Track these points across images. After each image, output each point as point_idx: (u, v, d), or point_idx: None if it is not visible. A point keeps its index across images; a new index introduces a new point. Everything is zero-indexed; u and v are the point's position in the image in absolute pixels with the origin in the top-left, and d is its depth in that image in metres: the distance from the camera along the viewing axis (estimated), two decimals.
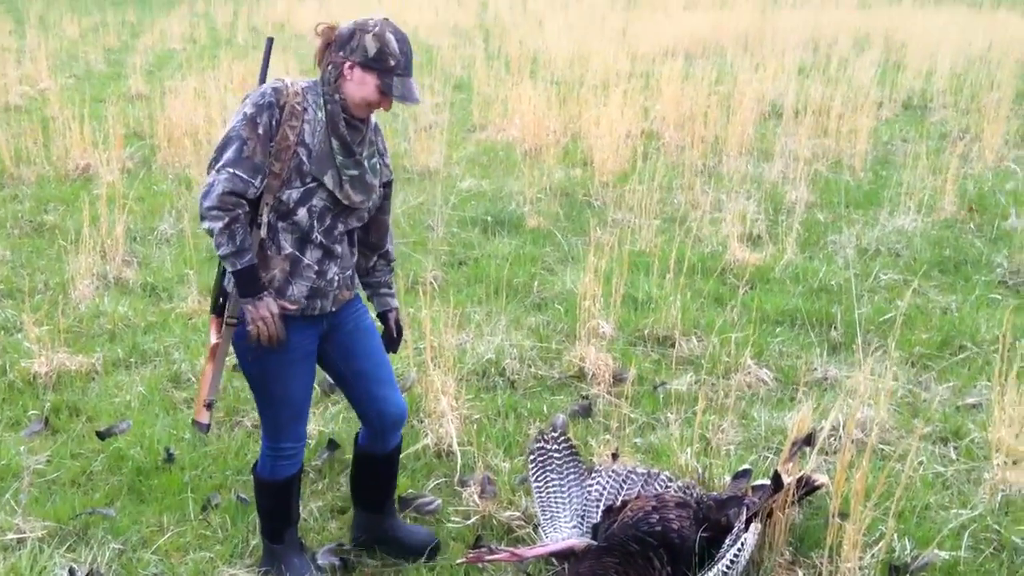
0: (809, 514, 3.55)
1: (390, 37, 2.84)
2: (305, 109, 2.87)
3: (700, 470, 3.87)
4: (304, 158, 2.85)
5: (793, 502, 3.31)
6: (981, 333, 5.14)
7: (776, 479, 3.34)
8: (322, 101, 2.89)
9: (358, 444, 3.37)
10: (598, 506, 3.48)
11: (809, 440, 3.65)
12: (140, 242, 6.67)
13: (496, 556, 3.11)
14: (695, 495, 3.46)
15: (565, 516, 3.41)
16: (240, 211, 2.80)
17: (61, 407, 4.37)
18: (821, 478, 3.49)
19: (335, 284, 3.00)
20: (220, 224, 2.80)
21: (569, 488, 3.54)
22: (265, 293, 2.87)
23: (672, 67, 10.22)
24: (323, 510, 3.66)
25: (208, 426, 3.09)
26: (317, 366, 3.15)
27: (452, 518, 3.61)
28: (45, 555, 3.29)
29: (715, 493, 3.59)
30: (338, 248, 2.98)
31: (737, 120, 9.08)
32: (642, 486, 3.57)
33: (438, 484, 3.82)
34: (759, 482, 3.58)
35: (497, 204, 7.56)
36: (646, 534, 3.10)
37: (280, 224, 2.88)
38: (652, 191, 6.94)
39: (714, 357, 4.80)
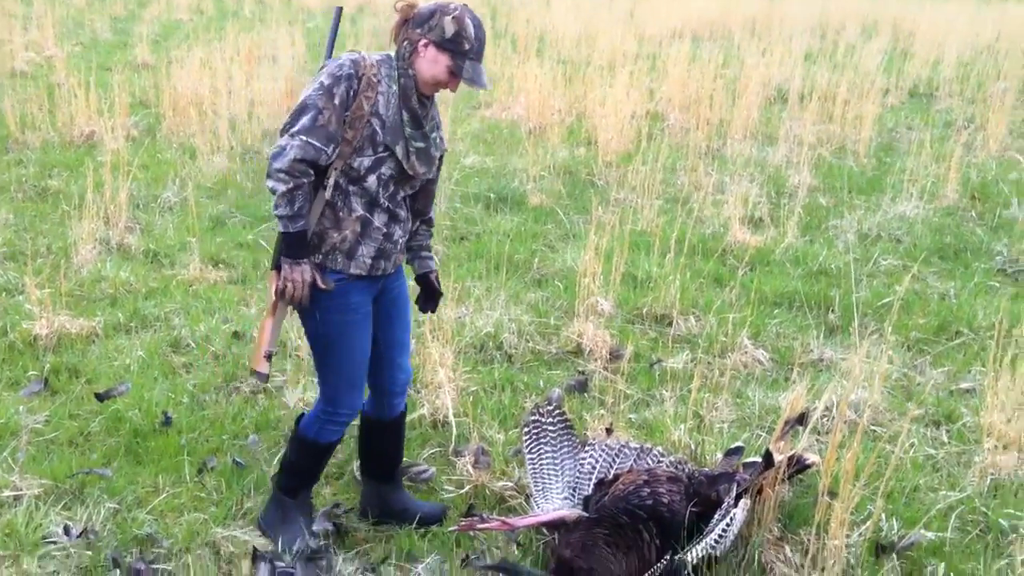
0: (799, 492, 3.58)
1: (468, 22, 2.92)
2: (379, 81, 2.95)
3: (693, 446, 3.90)
4: (377, 128, 2.93)
5: (783, 480, 3.34)
6: (978, 320, 5.16)
7: (767, 457, 3.37)
8: (396, 75, 2.98)
9: (364, 413, 3.40)
10: (590, 479, 3.51)
11: (802, 420, 3.68)
12: (143, 209, 6.69)
13: (488, 525, 3.14)
14: (687, 470, 3.49)
15: (557, 488, 3.44)
16: (306, 179, 2.89)
17: (61, 369, 4.40)
18: (812, 457, 3.51)
19: (398, 246, 3.11)
20: (284, 187, 2.88)
21: (562, 460, 3.57)
22: (305, 260, 2.96)
23: (679, 49, 10.22)
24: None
25: (267, 376, 3.18)
26: None
27: (446, 487, 3.64)
28: (41, 512, 3.33)
29: (707, 469, 3.62)
30: (401, 212, 3.08)
31: (742, 104, 9.09)
32: (635, 460, 3.60)
33: (433, 453, 3.85)
34: (750, 459, 3.61)
35: (500, 181, 7.57)
36: (636, 507, 3.13)
37: (351, 188, 2.97)
38: (655, 172, 6.96)
39: (711, 336, 4.82)
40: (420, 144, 3.01)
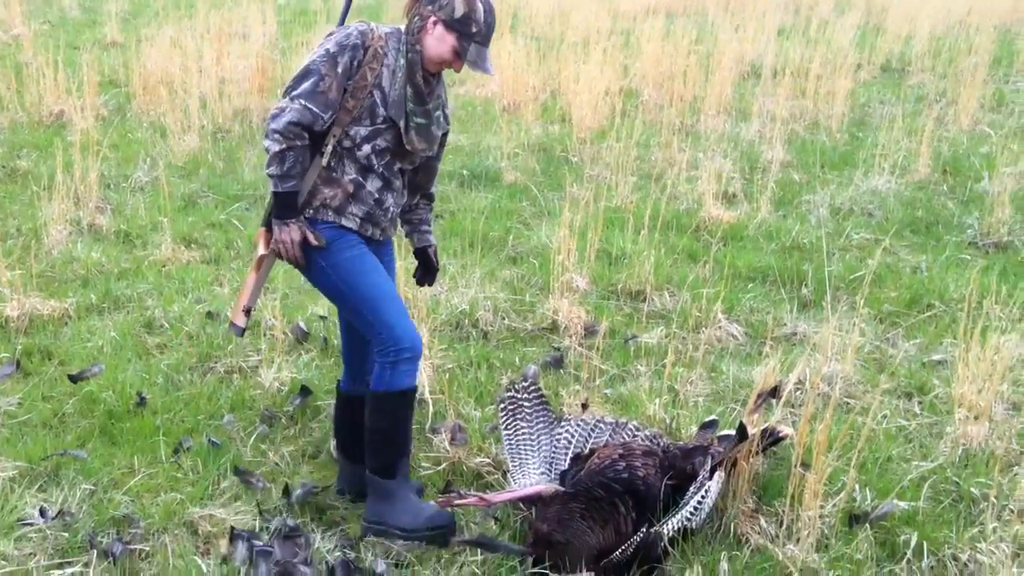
0: (773, 464, 3.61)
1: (479, 5, 2.97)
2: (386, 54, 3.00)
3: (668, 420, 3.93)
4: (377, 100, 2.99)
5: (757, 452, 3.37)
6: (949, 292, 5.21)
7: (741, 430, 3.40)
8: (404, 49, 3.02)
9: (340, 390, 3.41)
10: (566, 454, 3.53)
11: (775, 393, 3.71)
12: (114, 189, 6.63)
13: (465, 500, 3.15)
14: (662, 444, 3.51)
15: (534, 463, 3.46)
16: (299, 142, 2.95)
17: (33, 350, 4.37)
18: (785, 429, 3.54)
19: (389, 214, 3.15)
20: (277, 148, 2.94)
21: (538, 436, 3.58)
22: (293, 219, 3.00)
23: (653, 25, 10.21)
24: (295, 455, 3.69)
25: (244, 330, 3.22)
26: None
27: (423, 464, 3.65)
28: (16, 494, 3.31)
29: (681, 442, 3.64)
30: (396, 182, 3.13)
31: (716, 80, 9.09)
32: (610, 435, 3.62)
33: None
34: (725, 432, 3.64)
35: (474, 159, 7.55)
36: (612, 480, 3.15)
37: (345, 154, 3.02)
38: (629, 148, 6.96)
39: (685, 312, 4.84)
40: (421, 120, 3.06)
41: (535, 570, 2.99)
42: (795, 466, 3.25)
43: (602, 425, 3.68)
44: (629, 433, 3.62)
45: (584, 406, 3.89)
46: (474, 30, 2.97)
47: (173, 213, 6.02)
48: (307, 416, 3.95)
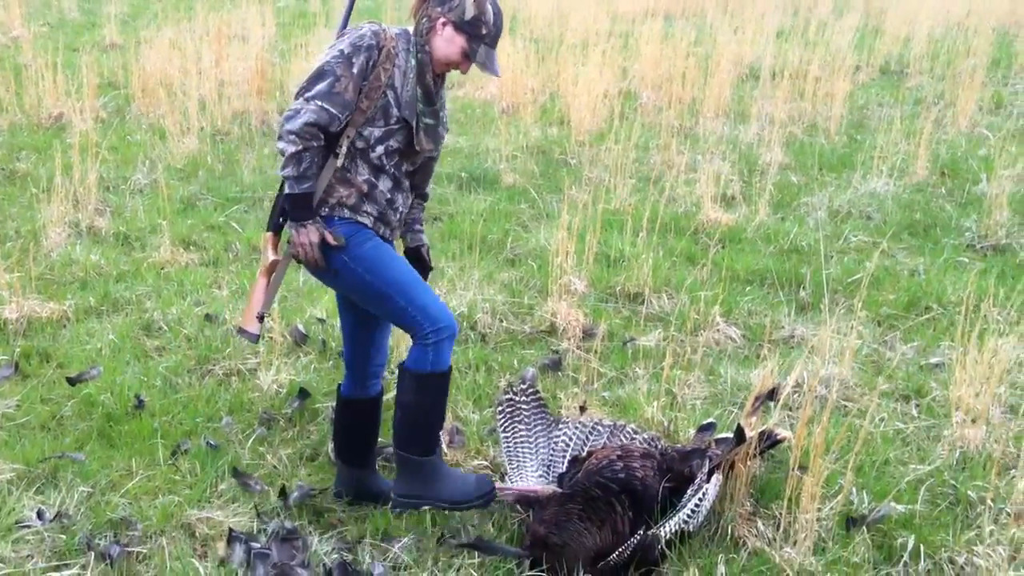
0: (770, 467, 3.61)
1: (489, 7, 2.99)
2: (397, 54, 3.00)
3: (666, 423, 3.93)
4: (391, 100, 2.99)
5: (755, 455, 3.37)
6: (947, 295, 5.21)
7: (739, 433, 3.40)
8: (413, 50, 3.02)
9: (341, 394, 3.40)
10: (564, 456, 3.54)
11: (772, 395, 3.71)
12: (113, 191, 6.63)
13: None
14: (660, 447, 3.52)
15: (532, 465, 3.47)
16: (316, 143, 2.94)
17: (31, 353, 4.37)
18: (783, 432, 3.55)
19: (398, 214, 3.16)
20: (293, 149, 2.92)
21: (536, 439, 3.59)
22: (310, 221, 2.99)
23: (652, 28, 10.21)
24: (293, 457, 3.69)
25: (257, 336, 3.18)
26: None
27: None
28: (14, 497, 3.31)
29: (679, 445, 3.65)
30: (405, 182, 3.15)
31: (715, 82, 9.10)
32: (608, 438, 3.63)
33: None
34: (722, 435, 3.65)
35: (473, 161, 7.56)
36: (609, 480, 3.15)
37: (358, 155, 3.01)
38: (628, 151, 6.96)
39: (683, 314, 4.84)
40: (430, 121, 3.07)
41: (532, 572, 3.00)
42: (792, 469, 3.26)
43: (600, 428, 3.69)
44: (627, 436, 3.63)
45: (582, 408, 3.90)
46: (484, 32, 2.98)
47: (172, 215, 6.02)
48: (305, 419, 3.95)
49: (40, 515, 3.23)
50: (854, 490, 3.46)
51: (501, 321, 4.85)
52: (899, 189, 7.01)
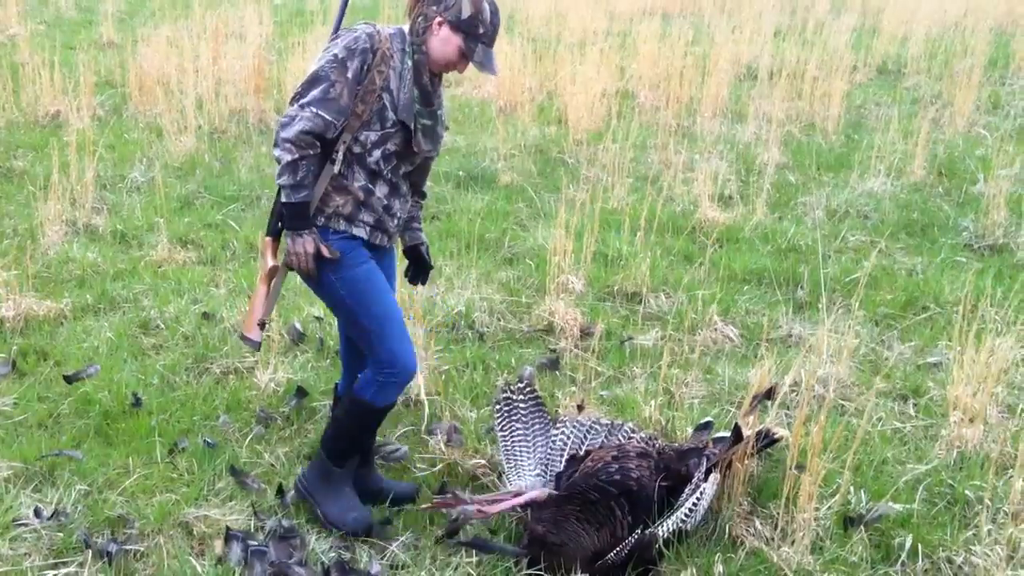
0: (768, 466, 3.61)
1: (485, 6, 2.94)
2: (392, 56, 2.95)
3: (663, 422, 3.93)
4: (387, 103, 2.95)
5: (752, 454, 3.37)
6: (945, 294, 5.22)
7: (736, 432, 3.40)
8: (410, 51, 2.98)
9: (337, 393, 3.40)
10: (562, 455, 3.53)
11: (770, 395, 3.71)
12: (110, 189, 6.62)
13: (463, 509, 3.15)
14: (657, 446, 3.51)
15: (529, 464, 3.46)
16: (312, 151, 2.91)
17: (28, 351, 4.37)
18: (780, 431, 3.55)
19: (396, 220, 3.12)
20: (289, 157, 2.89)
21: (534, 438, 3.59)
22: (307, 230, 2.97)
23: (649, 27, 10.21)
24: (290, 456, 3.68)
25: (259, 343, 3.18)
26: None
27: (418, 465, 3.65)
28: (11, 495, 3.31)
29: (677, 444, 3.65)
30: (403, 187, 3.11)
31: (712, 81, 9.10)
32: (606, 437, 3.62)
33: (405, 432, 3.86)
34: (720, 434, 3.65)
35: (471, 160, 7.56)
36: (606, 482, 3.15)
37: (354, 160, 2.98)
38: (626, 150, 6.97)
39: (681, 313, 4.84)
40: (427, 122, 3.03)
41: (530, 571, 3.00)
42: (790, 468, 3.26)
43: (598, 427, 3.68)
44: (624, 435, 3.63)
45: (580, 407, 3.89)
46: (481, 31, 2.94)
47: (169, 214, 6.02)
48: (302, 417, 3.95)
49: (37, 513, 3.22)
50: (852, 489, 3.46)
51: (499, 320, 4.85)
52: (896, 189, 7.02)
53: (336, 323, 4.53)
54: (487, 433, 3.84)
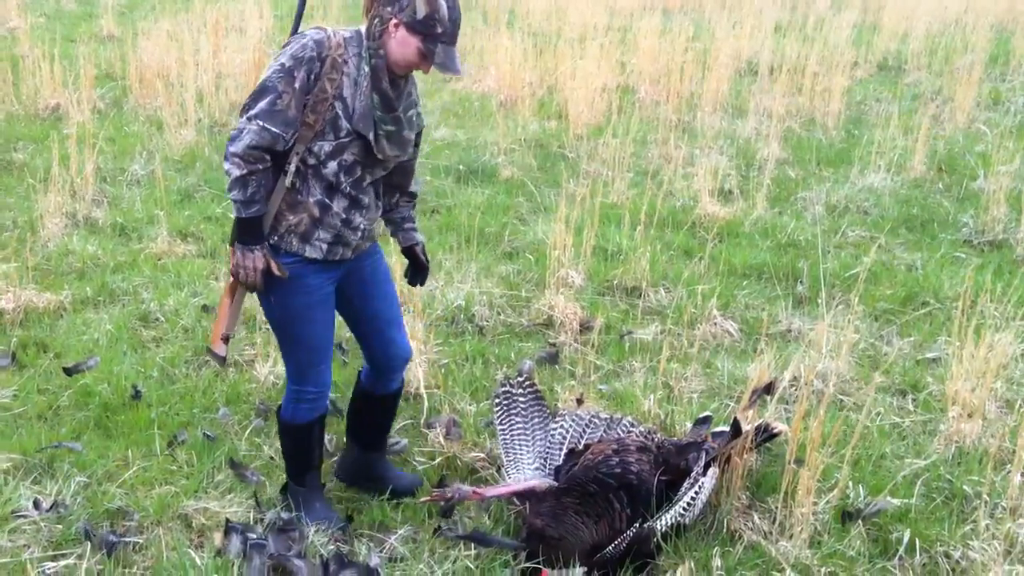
0: (766, 461, 3.62)
1: (442, 3, 2.77)
2: (345, 62, 2.82)
3: (662, 416, 3.94)
4: (340, 112, 2.81)
5: (751, 448, 3.38)
6: (944, 290, 5.22)
7: (735, 426, 3.41)
8: (366, 55, 2.84)
9: (360, 383, 3.38)
10: (561, 449, 3.54)
11: (769, 389, 3.72)
12: (110, 182, 6.62)
13: (460, 495, 3.16)
14: (656, 440, 3.52)
15: (528, 458, 3.47)
16: (261, 165, 2.80)
17: (28, 343, 4.37)
18: (779, 426, 3.55)
19: (359, 234, 2.99)
20: (238, 172, 2.78)
21: (533, 431, 3.59)
22: (258, 246, 2.88)
23: (650, 22, 10.20)
24: None
25: (224, 358, 3.12)
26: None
27: (417, 458, 3.65)
28: (10, 486, 3.32)
29: (676, 438, 3.65)
30: (365, 199, 2.97)
31: (713, 77, 9.09)
32: (605, 431, 3.63)
33: (404, 425, 3.86)
34: (719, 429, 3.65)
35: (471, 154, 7.55)
36: (606, 475, 3.16)
37: (310, 173, 2.87)
38: (626, 145, 6.96)
39: (680, 308, 4.84)
40: (390, 127, 2.88)
41: (528, 564, 3.00)
42: (789, 462, 3.27)
43: (597, 420, 3.69)
44: (623, 429, 3.63)
45: (579, 401, 3.90)
46: (439, 30, 2.77)
47: (169, 207, 6.02)
48: None
49: (37, 505, 3.23)
50: (850, 484, 3.47)
51: (498, 314, 4.85)
52: (897, 184, 7.02)
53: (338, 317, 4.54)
54: (486, 427, 3.84)
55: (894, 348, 4.62)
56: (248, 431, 3.77)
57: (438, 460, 3.63)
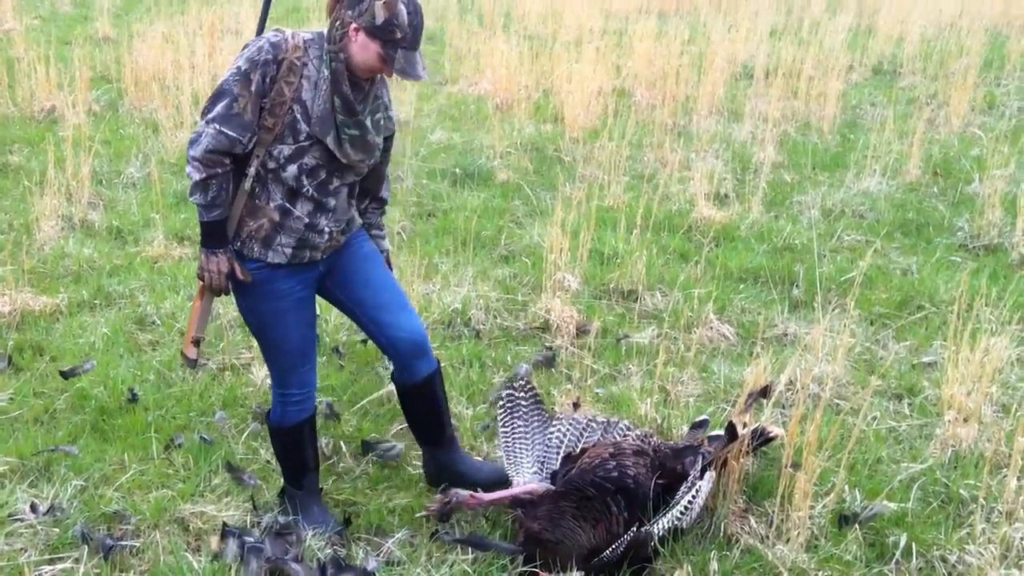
0: (763, 464, 3.63)
1: (401, 8, 2.74)
2: (305, 64, 2.81)
3: (659, 420, 3.94)
4: (299, 115, 2.80)
5: (747, 452, 3.38)
6: (940, 294, 5.23)
7: (731, 430, 3.41)
8: (327, 58, 2.83)
9: (394, 379, 3.38)
10: (558, 453, 3.54)
11: (765, 393, 3.72)
12: (106, 185, 6.62)
13: (457, 500, 3.16)
14: (653, 443, 3.52)
15: (528, 462, 3.47)
16: (220, 168, 2.80)
17: (24, 346, 4.37)
18: (775, 430, 3.56)
19: (326, 236, 2.98)
20: (198, 176, 2.79)
21: (533, 435, 3.59)
22: (222, 249, 2.89)
23: (645, 25, 10.21)
24: None
25: (195, 361, 3.14)
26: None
27: (414, 463, 3.65)
28: (7, 490, 3.32)
29: (672, 442, 3.65)
30: (331, 201, 2.95)
31: (708, 80, 9.09)
32: (601, 434, 3.63)
33: (401, 429, 3.85)
34: (715, 432, 3.65)
35: (467, 157, 7.55)
36: (602, 479, 3.16)
37: (270, 177, 2.86)
38: (622, 148, 6.96)
39: (677, 312, 4.85)
40: (354, 131, 2.86)
41: (526, 569, 3.00)
42: (785, 466, 3.27)
43: (593, 424, 3.69)
44: (620, 432, 3.63)
45: (576, 405, 3.90)
46: (399, 36, 2.74)
47: (165, 209, 6.02)
48: None
49: (33, 508, 3.23)
50: (846, 488, 3.48)
51: (495, 317, 4.85)
52: (892, 188, 7.03)
53: (331, 318, 4.54)
54: (483, 430, 3.85)
55: (890, 352, 4.62)
56: (245, 435, 3.77)
57: None
